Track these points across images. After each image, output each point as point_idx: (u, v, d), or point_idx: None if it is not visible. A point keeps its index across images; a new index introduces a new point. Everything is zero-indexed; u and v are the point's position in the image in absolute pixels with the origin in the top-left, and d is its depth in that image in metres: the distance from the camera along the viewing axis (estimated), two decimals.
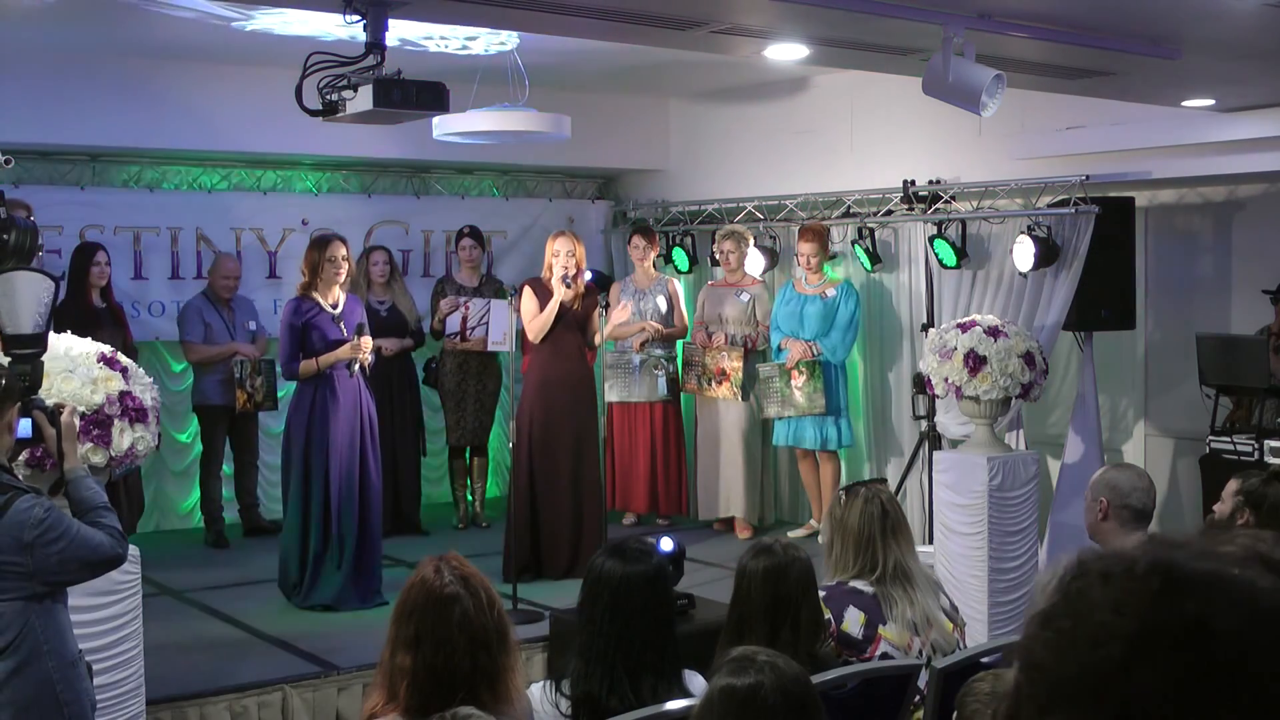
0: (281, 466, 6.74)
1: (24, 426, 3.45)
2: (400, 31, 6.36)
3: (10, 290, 3.48)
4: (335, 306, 6.52)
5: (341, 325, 6.49)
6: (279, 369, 6.88)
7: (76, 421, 3.63)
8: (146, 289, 8.34)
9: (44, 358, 3.66)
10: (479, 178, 9.80)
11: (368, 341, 6.56)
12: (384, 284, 8.29)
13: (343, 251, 6.51)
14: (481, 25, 6.06)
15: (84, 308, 7.37)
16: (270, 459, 8.35)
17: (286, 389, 7.13)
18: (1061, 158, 7.32)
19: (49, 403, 3.58)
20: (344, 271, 6.53)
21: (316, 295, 6.49)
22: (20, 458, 3.68)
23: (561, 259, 7.01)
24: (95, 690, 3.65)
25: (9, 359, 3.52)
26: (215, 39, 7.11)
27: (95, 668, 3.76)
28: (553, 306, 7.04)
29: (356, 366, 6.49)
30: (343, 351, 6.43)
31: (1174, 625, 0.82)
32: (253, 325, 8.13)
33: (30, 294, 3.51)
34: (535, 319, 7.08)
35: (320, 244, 6.55)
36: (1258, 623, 0.82)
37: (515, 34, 6.77)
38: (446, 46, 7.14)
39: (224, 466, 8.20)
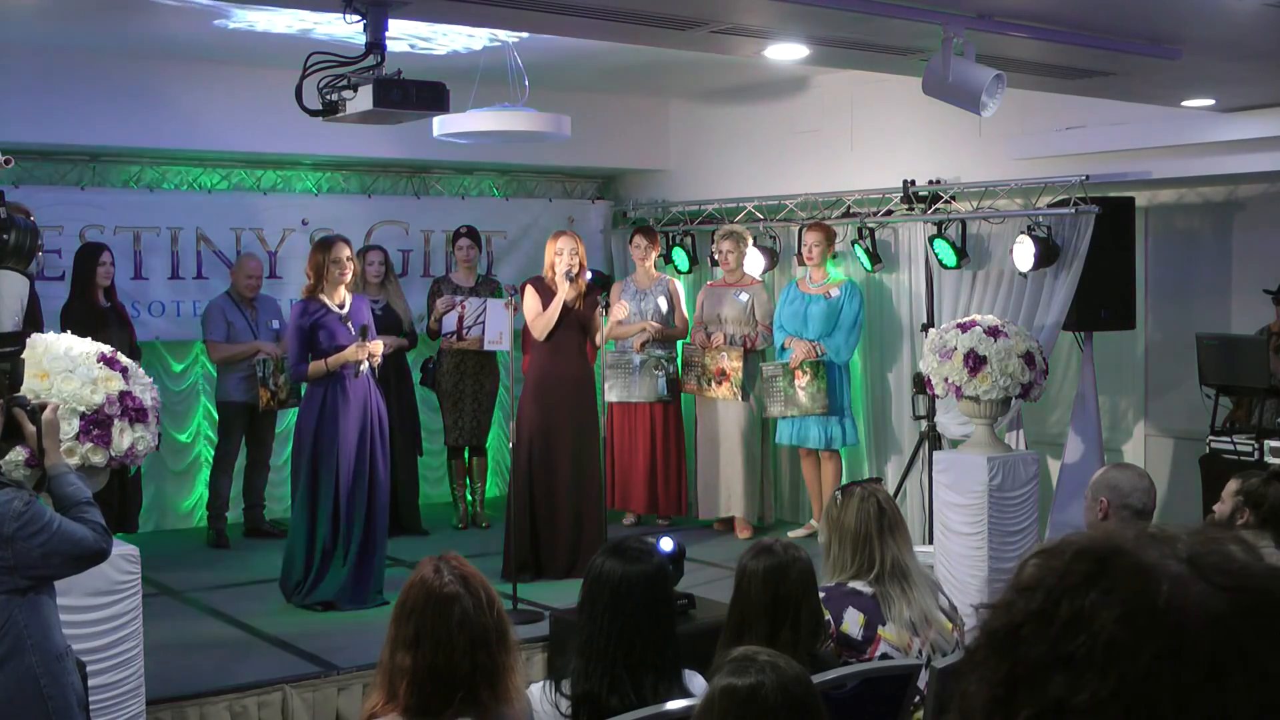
0: (290, 466, 6.76)
1: None
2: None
3: None
4: (342, 307, 6.58)
5: (349, 325, 6.54)
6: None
7: (75, 424, 3.63)
8: (146, 289, 8.34)
9: (45, 358, 3.65)
10: (479, 178, 9.79)
11: (378, 345, 6.60)
12: (378, 284, 8.30)
13: (347, 253, 6.58)
14: (482, 25, 6.05)
15: (90, 308, 7.38)
16: (277, 461, 8.36)
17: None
18: (1061, 158, 7.31)
19: (35, 400, 3.58)
20: (349, 272, 6.60)
21: (323, 296, 6.54)
22: (20, 458, 3.68)
23: (565, 257, 7.02)
24: (95, 690, 3.65)
25: None
26: (216, 39, 7.10)
27: (95, 668, 3.76)
28: (556, 304, 7.04)
29: (364, 367, 6.52)
30: (348, 353, 6.47)
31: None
32: (276, 324, 8.14)
33: (9, 293, 3.51)
34: (539, 318, 7.08)
35: (324, 246, 6.61)
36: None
37: (484, 34, 6.75)
38: (413, 48, 7.11)
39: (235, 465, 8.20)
